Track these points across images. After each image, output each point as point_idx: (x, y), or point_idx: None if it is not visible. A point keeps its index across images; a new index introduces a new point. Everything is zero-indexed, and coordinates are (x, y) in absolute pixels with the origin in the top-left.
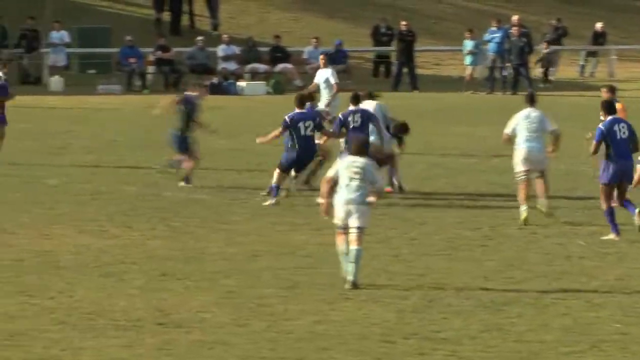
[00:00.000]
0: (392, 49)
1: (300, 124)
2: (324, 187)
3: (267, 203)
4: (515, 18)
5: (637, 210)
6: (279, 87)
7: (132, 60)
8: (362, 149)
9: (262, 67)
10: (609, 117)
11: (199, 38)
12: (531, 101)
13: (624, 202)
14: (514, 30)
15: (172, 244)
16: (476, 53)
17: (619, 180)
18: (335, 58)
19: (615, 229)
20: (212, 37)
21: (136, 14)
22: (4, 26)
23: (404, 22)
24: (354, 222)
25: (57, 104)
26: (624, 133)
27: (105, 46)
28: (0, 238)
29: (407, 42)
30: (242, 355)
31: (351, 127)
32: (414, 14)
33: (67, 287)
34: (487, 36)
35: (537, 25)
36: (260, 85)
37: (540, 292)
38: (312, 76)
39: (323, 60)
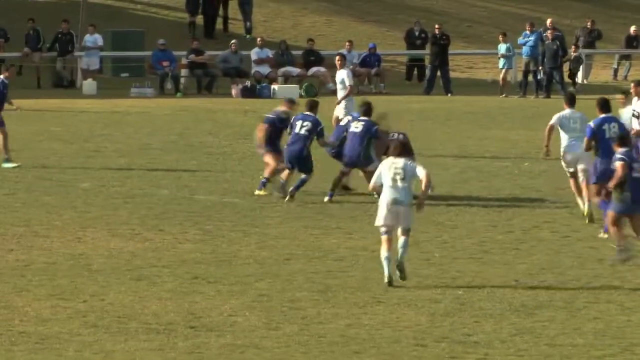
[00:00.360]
0: (426, 52)
1: (298, 122)
2: (371, 186)
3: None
4: (549, 21)
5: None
6: (312, 90)
7: (164, 63)
8: (401, 150)
9: (295, 70)
10: (601, 115)
11: (233, 41)
12: (571, 102)
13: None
14: (548, 34)
15: (204, 247)
16: (508, 56)
17: (608, 179)
18: (369, 61)
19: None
20: (246, 40)
21: (170, 18)
22: (38, 30)
23: (437, 26)
24: (400, 223)
25: (90, 108)
26: (613, 132)
27: (138, 50)
28: (34, 241)
29: (441, 46)
30: (274, 359)
31: (350, 129)
32: (448, 17)
33: (99, 290)
34: (520, 40)
35: (571, 28)
36: (293, 89)
37: (572, 296)
38: None
39: (339, 62)
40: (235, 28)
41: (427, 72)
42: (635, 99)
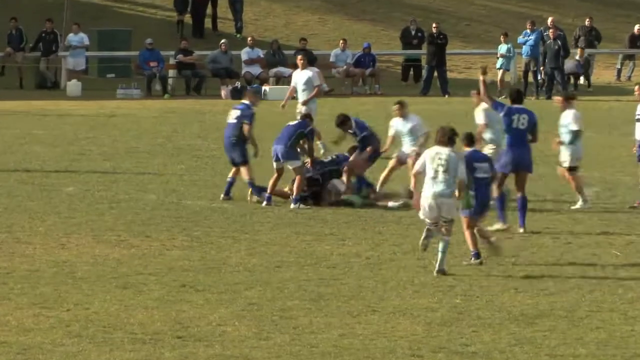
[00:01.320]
0: (423, 52)
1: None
2: (413, 181)
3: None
4: (550, 20)
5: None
6: None
7: (152, 64)
8: (447, 139)
9: (287, 71)
10: (514, 105)
11: (222, 41)
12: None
13: (520, 200)
14: (550, 33)
15: (192, 254)
16: (507, 57)
17: (515, 170)
18: (363, 61)
19: (502, 217)
20: (236, 39)
21: (157, 16)
22: (21, 29)
23: (435, 25)
24: (442, 215)
25: (75, 109)
26: (522, 124)
27: (125, 49)
28: (16, 248)
29: (438, 45)
30: None
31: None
32: (446, 15)
33: (84, 298)
34: (520, 39)
35: (573, 27)
36: (284, 90)
37: (573, 305)
38: (340, 80)
39: (301, 61)
40: (225, 27)
41: (424, 72)
42: None
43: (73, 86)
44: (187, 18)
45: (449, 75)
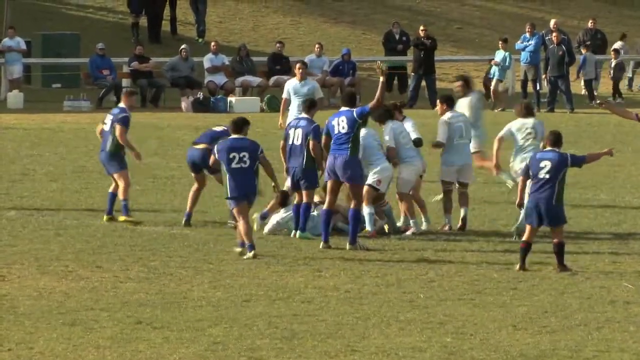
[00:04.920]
0: (409, 58)
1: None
2: (495, 146)
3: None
4: (553, 22)
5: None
6: (276, 103)
7: (105, 72)
8: (530, 110)
9: (255, 80)
10: (341, 110)
11: (182, 46)
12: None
13: (350, 213)
14: (554, 37)
15: (148, 287)
16: (502, 67)
17: (334, 177)
18: (342, 69)
19: (325, 235)
20: (198, 45)
21: (109, 19)
22: None
23: (422, 28)
24: None
25: (16, 124)
26: (342, 127)
27: (73, 56)
28: None
29: (426, 50)
30: None
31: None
32: (434, 17)
33: (27, 337)
34: (519, 44)
35: (578, 30)
36: (253, 102)
37: (579, 343)
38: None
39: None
40: (186, 30)
41: (410, 81)
42: None
43: (14, 97)
44: (143, 21)
45: (439, 84)
